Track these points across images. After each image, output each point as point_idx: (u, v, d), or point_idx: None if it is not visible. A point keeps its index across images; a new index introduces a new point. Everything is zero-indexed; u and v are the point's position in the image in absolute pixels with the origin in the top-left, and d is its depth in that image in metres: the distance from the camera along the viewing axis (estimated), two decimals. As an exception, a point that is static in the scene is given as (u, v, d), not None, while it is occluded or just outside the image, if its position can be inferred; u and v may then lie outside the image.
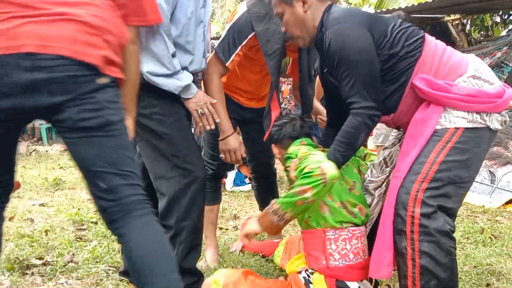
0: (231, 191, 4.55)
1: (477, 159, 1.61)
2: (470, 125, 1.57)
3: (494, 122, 1.59)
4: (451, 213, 1.56)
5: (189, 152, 1.83)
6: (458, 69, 1.63)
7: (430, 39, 1.72)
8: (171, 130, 1.79)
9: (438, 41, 1.74)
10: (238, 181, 4.65)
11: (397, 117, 1.75)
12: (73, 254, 2.49)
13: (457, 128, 1.56)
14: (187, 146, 1.83)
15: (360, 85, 1.62)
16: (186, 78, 1.76)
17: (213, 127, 1.86)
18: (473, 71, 1.61)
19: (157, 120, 1.78)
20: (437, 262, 1.48)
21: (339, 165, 1.68)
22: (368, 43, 1.62)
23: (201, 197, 1.87)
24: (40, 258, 2.44)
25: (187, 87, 1.76)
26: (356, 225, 1.76)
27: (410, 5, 6.38)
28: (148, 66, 1.67)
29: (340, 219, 1.73)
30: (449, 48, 1.72)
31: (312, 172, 1.62)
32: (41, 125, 9.84)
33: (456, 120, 1.57)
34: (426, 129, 1.58)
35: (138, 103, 1.58)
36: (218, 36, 10.78)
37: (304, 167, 1.66)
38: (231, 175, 4.65)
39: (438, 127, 1.58)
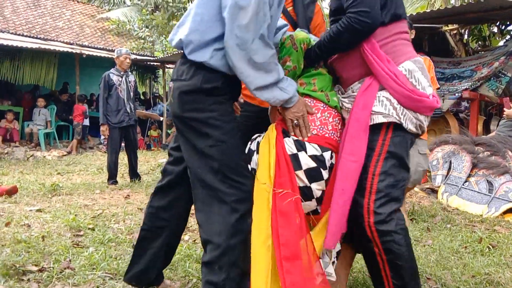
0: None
1: (408, 157, 1.74)
2: (390, 120, 1.65)
3: (408, 122, 1.67)
4: (399, 207, 1.71)
5: (241, 162, 1.72)
6: (401, 57, 1.70)
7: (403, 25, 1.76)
8: (227, 137, 1.65)
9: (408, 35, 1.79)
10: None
11: (338, 63, 1.79)
12: (70, 261, 2.47)
13: (386, 134, 1.68)
14: (239, 156, 1.72)
15: None
16: (291, 87, 1.68)
17: (306, 139, 1.71)
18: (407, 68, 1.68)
19: (214, 126, 1.63)
20: (399, 255, 1.66)
21: (317, 53, 1.76)
22: None
23: (251, 212, 1.67)
24: (37, 265, 2.42)
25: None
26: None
27: (408, 14, 6.42)
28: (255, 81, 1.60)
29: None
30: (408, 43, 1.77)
31: (284, 42, 1.77)
32: (39, 130, 9.82)
33: (381, 110, 1.66)
34: (364, 125, 1.67)
35: (189, 106, 1.58)
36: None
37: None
38: None
39: (374, 120, 1.66)
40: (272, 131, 1.76)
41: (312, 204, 1.75)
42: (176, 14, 15.05)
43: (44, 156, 8.91)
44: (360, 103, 1.69)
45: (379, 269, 1.70)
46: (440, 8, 5.99)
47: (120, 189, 5.10)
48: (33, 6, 13.71)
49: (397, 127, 1.68)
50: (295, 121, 1.69)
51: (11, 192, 4.44)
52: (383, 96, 1.67)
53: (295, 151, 1.69)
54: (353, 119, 1.68)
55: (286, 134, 1.73)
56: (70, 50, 10.02)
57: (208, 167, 1.63)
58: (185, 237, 3.07)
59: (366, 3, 1.60)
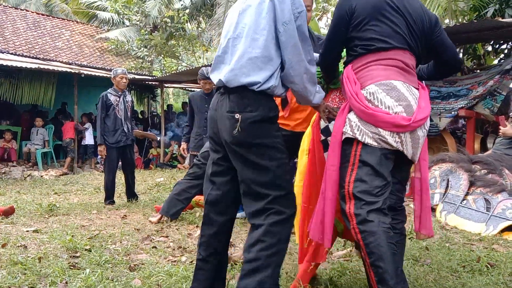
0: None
1: (383, 167, 1.95)
2: (347, 136, 1.99)
3: (365, 137, 1.94)
4: (380, 210, 1.88)
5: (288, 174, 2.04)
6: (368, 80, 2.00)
7: (390, 53, 2.03)
8: (285, 155, 2.00)
9: (398, 60, 2.04)
10: (240, 209, 4.60)
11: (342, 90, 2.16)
12: (66, 283, 2.46)
13: (357, 146, 1.97)
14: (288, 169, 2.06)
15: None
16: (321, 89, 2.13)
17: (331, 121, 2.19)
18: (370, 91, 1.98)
19: (276, 148, 1.96)
20: (380, 256, 1.80)
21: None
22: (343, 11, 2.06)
23: (294, 216, 2.02)
24: (33, 287, 2.40)
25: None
26: None
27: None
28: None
29: None
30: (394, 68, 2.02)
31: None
32: (36, 150, 9.82)
33: (344, 129, 2.02)
34: (338, 140, 2.03)
35: (258, 134, 1.91)
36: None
37: None
38: None
39: (343, 137, 2.02)
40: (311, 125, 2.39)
41: None
42: (174, 34, 15.24)
43: (42, 176, 8.89)
44: (336, 122, 2.07)
45: (368, 277, 1.86)
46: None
47: (117, 209, 5.08)
48: (33, 26, 13.86)
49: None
50: (326, 110, 2.19)
51: (8, 212, 4.42)
52: (347, 117, 2.03)
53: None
54: (332, 136, 2.07)
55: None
56: (69, 70, 10.10)
57: (268, 179, 1.92)
58: (182, 258, 3.05)
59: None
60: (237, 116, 1.89)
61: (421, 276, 2.65)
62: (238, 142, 1.91)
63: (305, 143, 2.44)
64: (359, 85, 2.01)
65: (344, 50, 2.21)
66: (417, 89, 2.05)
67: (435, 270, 2.79)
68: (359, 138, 1.95)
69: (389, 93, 1.95)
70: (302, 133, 2.56)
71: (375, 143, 1.93)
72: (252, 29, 1.91)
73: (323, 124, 2.28)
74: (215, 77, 2.03)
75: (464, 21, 5.46)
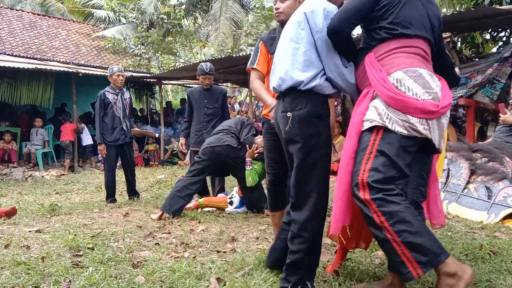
0: (229, 214, 4.53)
1: (401, 158, 1.94)
2: (374, 124, 1.96)
3: (395, 125, 1.93)
4: (399, 193, 1.91)
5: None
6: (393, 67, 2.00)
7: (409, 41, 2.03)
8: (328, 144, 2.24)
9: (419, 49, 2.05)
10: (241, 204, 4.64)
11: (358, 81, 2.19)
12: (70, 281, 2.46)
13: (376, 135, 1.96)
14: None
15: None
16: None
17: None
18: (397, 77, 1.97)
19: (323, 140, 2.19)
20: (410, 232, 1.83)
21: None
22: None
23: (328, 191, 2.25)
24: (37, 286, 2.41)
25: None
26: None
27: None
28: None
29: None
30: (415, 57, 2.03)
31: None
32: (37, 150, 9.82)
33: (368, 117, 2.00)
34: (357, 129, 2.04)
35: (307, 129, 2.13)
36: (213, 57, 10.92)
37: None
38: (236, 200, 4.65)
39: (364, 126, 2.01)
40: None
41: None
42: (171, 30, 15.19)
43: (43, 176, 8.89)
44: (356, 109, 2.07)
45: (399, 255, 1.85)
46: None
47: (119, 207, 5.09)
48: (29, 27, 13.82)
49: (387, 130, 1.95)
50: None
51: (10, 213, 4.42)
52: (372, 105, 2.01)
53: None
54: (351, 123, 2.06)
55: None
56: (66, 69, 10.07)
57: (317, 163, 2.17)
58: (185, 254, 3.06)
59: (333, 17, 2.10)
60: (289, 114, 2.17)
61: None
62: (290, 137, 2.19)
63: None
64: (385, 71, 2.00)
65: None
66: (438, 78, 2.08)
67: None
68: (389, 126, 1.93)
69: (416, 80, 1.96)
70: None
71: (405, 131, 1.92)
72: (293, 40, 2.20)
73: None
74: (271, 87, 2.36)
75: (462, 10, 5.44)
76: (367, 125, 1.99)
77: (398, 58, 2.02)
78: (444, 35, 7.16)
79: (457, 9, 7.52)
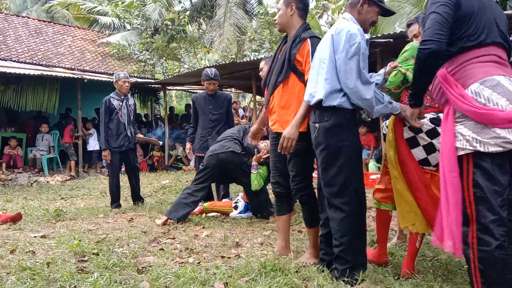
0: (233, 219, 4.53)
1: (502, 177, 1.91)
2: (465, 152, 1.92)
3: (488, 146, 1.88)
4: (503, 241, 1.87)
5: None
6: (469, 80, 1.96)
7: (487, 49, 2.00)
8: (353, 151, 2.51)
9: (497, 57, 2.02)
10: (245, 209, 4.66)
11: (435, 96, 2.18)
12: (75, 287, 2.46)
13: (468, 164, 1.93)
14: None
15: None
16: (396, 104, 2.53)
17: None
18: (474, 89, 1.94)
19: (347, 146, 2.45)
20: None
21: (413, 89, 2.27)
22: None
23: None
24: (42, 292, 2.41)
25: None
26: None
27: (405, 30, 6.50)
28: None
29: None
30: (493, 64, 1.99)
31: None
32: (42, 156, 9.87)
33: (458, 145, 1.95)
34: (451, 149, 1.98)
35: (333, 137, 2.42)
36: (217, 63, 10.96)
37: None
38: (241, 204, 4.66)
39: (458, 152, 1.96)
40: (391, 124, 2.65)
41: (419, 153, 2.58)
42: (175, 36, 15.28)
43: (48, 181, 8.93)
44: (444, 130, 2.05)
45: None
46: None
47: (123, 213, 5.10)
48: (35, 33, 13.93)
49: (479, 154, 1.91)
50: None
51: (16, 219, 4.44)
52: (457, 132, 1.97)
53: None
54: (442, 144, 2.06)
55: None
56: (71, 75, 10.14)
57: (338, 168, 2.45)
58: (190, 259, 3.06)
59: (424, 34, 2.01)
60: (317, 125, 2.48)
61: (430, 272, 2.65)
62: (316, 144, 2.49)
63: (389, 134, 2.68)
64: (460, 86, 1.98)
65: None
66: None
67: (443, 266, 2.78)
68: (482, 149, 1.88)
69: (495, 89, 1.91)
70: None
71: (500, 148, 1.87)
72: (321, 59, 2.46)
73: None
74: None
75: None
76: (459, 152, 1.96)
77: (472, 69, 1.98)
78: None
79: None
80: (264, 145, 4.40)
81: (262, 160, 4.40)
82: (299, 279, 2.51)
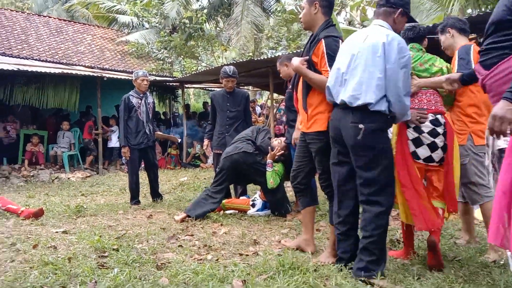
0: (251, 216, 4.54)
1: None
2: None
3: None
4: None
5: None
6: None
7: None
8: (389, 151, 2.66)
9: None
10: (263, 207, 4.67)
11: (488, 83, 2.07)
12: (96, 282, 2.50)
13: None
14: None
15: None
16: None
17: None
18: None
19: (386, 147, 2.61)
20: None
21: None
22: None
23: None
24: (64, 286, 2.46)
25: None
26: None
27: (425, 26, 6.39)
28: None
29: None
30: None
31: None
32: (63, 153, 10.03)
33: None
34: None
35: (374, 139, 2.52)
36: (235, 61, 10.97)
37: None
38: (259, 202, 4.69)
39: None
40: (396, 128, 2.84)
41: (424, 151, 2.80)
42: (193, 34, 15.34)
43: (69, 178, 9.08)
44: None
45: None
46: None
47: (143, 209, 5.15)
48: (56, 32, 14.16)
49: None
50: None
51: (38, 214, 4.53)
52: None
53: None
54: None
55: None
56: (91, 73, 10.28)
57: (382, 167, 2.55)
58: (208, 256, 3.07)
59: None
60: (361, 126, 2.50)
61: (452, 272, 2.60)
62: (360, 145, 2.52)
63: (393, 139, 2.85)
64: None
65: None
66: None
67: (465, 266, 2.74)
68: None
69: None
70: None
71: None
72: (368, 64, 2.50)
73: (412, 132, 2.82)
74: (338, 98, 2.62)
75: (488, 10, 5.32)
76: None
77: None
78: (470, 36, 7.02)
79: (483, 9, 7.37)
80: (278, 142, 4.48)
81: (276, 157, 4.44)
82: (317, 278, 2.50)
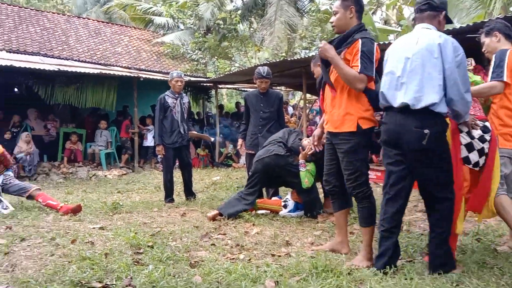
0: (283, 217, 4.52)
1: None
2: None
3: None
4: None
5: None
6: None
7: None
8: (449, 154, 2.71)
9: None
10: (295, 208, 4.66)
11: None
12: (131, 278, 2.55)
13: None
14: None
15: None
16: None
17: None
18: None
19: (448, 151, 2.68)
20: None
21: None
22: None
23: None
24: (100, 281, 2.52)
25: None
26: None
27: (465, 25, 6.19)
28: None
29: None
30: None
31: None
32: (100, 151, 10.32)
33: None
34: None
35: (438, 142, 2.57)
36: (268, 61, 10.96)
37: None
38: (290, 204, 4.68)
39: None
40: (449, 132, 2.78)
41: (474, 157, 2.88)
42: (227, 35, 15.45)
43: (105, 175, 9.33)
44: None
45: None
46: (499, 17, 5.73)
47: (176, 207, 5.23)
48: (94, 34, 14.57)
49: None
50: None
51: (76, 210, 4.67)
52: None
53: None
54: None
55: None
56: (128, 74, 10.52)
57: (442, 171, 2.64)
58: (240, 256, 3.08)
59: None
60: (426, 131, 2.51)
61: (492, 280, 2.51)
62: (425, 149, 2.54)
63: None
64: None
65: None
66: None
67: (506, 274, 2.63)
68: None
69: None
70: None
71: None
72: (426, 65, 2.53)
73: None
74: (395, 102, 2.64)
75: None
76: None
77: None
78: None
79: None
80: (308, 141, 4.49)
81: (308, 157, 4.42)
82: (351, 282, 2.46)
